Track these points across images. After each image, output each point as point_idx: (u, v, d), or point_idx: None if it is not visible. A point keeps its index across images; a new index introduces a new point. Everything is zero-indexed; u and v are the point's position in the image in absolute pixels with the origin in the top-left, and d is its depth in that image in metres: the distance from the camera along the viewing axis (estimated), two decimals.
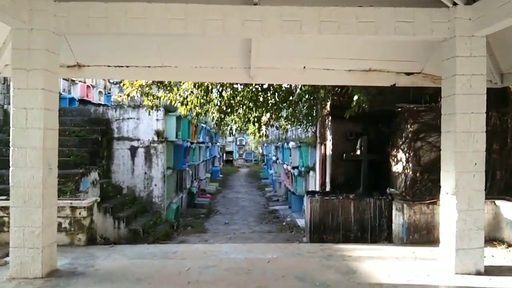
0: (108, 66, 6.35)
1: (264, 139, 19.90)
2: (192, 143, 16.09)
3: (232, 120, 10.07)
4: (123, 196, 11.51)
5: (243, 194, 22.23)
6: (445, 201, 5.01)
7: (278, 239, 10.86)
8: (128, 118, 11.99)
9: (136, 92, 8.14)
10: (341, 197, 9.58)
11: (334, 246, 7.10)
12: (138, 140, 11.95)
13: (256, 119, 8.84)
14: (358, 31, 4.96)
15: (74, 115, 12.01)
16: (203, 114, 8.78)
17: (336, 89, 9.44)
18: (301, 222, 13.40)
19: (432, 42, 5.70)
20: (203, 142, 20.16)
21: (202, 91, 7.36)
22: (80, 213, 7.39)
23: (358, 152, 9.85)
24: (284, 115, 9.36)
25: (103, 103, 16.94)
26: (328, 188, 10.32)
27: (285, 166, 17.93)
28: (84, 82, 16.74)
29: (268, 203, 18.75)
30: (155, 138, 11.92)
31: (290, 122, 9.43)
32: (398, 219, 8.03)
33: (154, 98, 8.39)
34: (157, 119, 11.93)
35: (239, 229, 12.76)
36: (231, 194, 21.88)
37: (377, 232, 9.45)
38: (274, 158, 24.82)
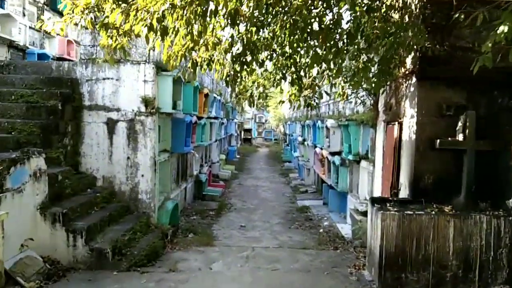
0: None
1: (309, 113, 15.76)
2: (200, 118, 12.40)
3: (253, 82, 6.26)
4: (95, 191, 7.98)
5: (264, 180, 18.58)
6: None
7: (319, 263, 7.20)
8: (103, 79, 8.33)
9: (81, 18, 4.43)
10: (432, 212, 5.83)
11: None
12: (118, 110, 8.31)
13: (296, 76, 5.06)
14: None
15: (28, 73, 8.41)
16: (204, 67, 5.02)
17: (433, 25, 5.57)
18: (344, 229, 9.72)
19: None
20: (216, 118, 16.47)
21: (194, 7, 3.56)
22: None
23: (460, 137, 6.01)
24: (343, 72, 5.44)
25: None
26: (405, 193, 6.54)
27: (317, 150, 14.13)
28: (66, 36, 13.11)
29: (294, 195, 15.07)
30: (142, 109, 8.25)
31: (353, 84, 5.54)
32: None
33: (117, 34, 4.64)
34: (144, 81, 8.22)
35: (260, 239, 9.15)
36: (249, 181, 18.26)
37: (491, 270, 5.70)
38: (300, 138, 20.98)
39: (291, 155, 25.62)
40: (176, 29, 3.93)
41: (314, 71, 5.29)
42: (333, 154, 11.64)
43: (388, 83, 6.94)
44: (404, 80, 6.53)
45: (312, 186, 16.44)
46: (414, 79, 6.18)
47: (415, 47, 5.45)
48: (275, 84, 5.54)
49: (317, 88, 5.64)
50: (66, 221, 6.36)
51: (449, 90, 6.10)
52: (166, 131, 9.34)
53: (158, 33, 3.77)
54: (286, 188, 16.70)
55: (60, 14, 13.85)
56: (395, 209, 5.86)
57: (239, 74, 5.05)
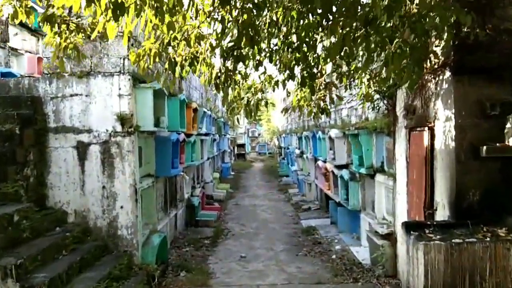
0: None
1: (307, 123, 14.14)
2: (189, 135, 11.15)
3: (249, 88, 5.04)
4: (64, 229, 6.64)
5: (262, 199, 17.26)
6: None
7: None
8: (71, 95, 7.07)
9: (10, 4, 3.21)
10: (486, 238, 4.61)
11: None
12: (89, 131, 7.04)
13: (308, 74, 3.88)
14: None
15: None
16: (186, 68, 3.81)
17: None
18: (360, 254, 8.47)
19: None
20: (207, 134, 15.21)
21: None
22: None
23: (511, 141, 4.86)
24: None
25: None
26: (443, 214, 5.31)
27: (320, 163, 12.90)
28: (36, 53, 11.87)
29: (297, 213, 13.77)
30: (118, 128, 6.98)
31: (380, 81, 4.35)
32: None
33: (67, 30, 3.42)
34: (119, 95, 6.97)
35: (265, 272, 7.82)
36: (246, 200, 16.93)
37: None
38: (297, 151, 19.78)
39: (288, 169, 24.37)
40: (139, 6, 2.72)
41: (328, 68, 4.09)
42: (339, 167, 10.43)
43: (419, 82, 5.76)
44: (433, 76, 5.36)
45: (315, 202, 15.16)
46: (448, 73, 5.02)
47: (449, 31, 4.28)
48: (281, 85, 4.32)
49: (333, 89, 4.43)
50: (22, 274, 5.02)
51: (493, 84, 4.94)
52: (149, 153, 8.06)
53: (109, 12, 2.55)
54: (287, 206, 15.40)
55: (29, 29, 12.70)
56: (438, 236, 4.63)
57: (231, 74, 3.84)
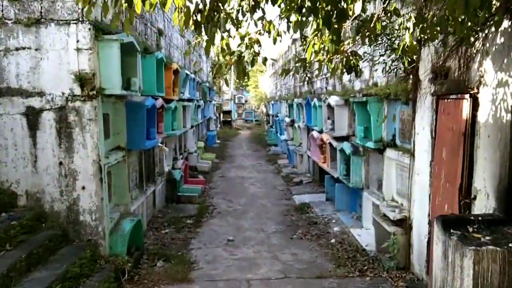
0: None
1: (299, 89, 12.54)
2: (169, 100, 9.80)
3: (242, 39, 3.75)
4: (11, 216, 5.40)
5: (250, 170, 16.15)
6: None
7: None
8: (17, 49, 5.63)
9: None
10: None
11: None
12: (41, 95, 5.66)
13: (332, 12, 2.63)
14: None
15: None
16: (150, 0, 2.51)
17: None
18: (363, 238, 7.54)
19: None
20: (191, 100, 13.82)
21: None
22: None
23: None
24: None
25: None
26: (486, 205, 4.21)
27: (315, 133, 11.73)
28: None
29: (288, 187, 12.74)
30: (77, 91, 5.62)
31: (433, 26, 3.10)
32: None
33: None
34: (77, 49, 5.56)
35: (255, 261, 6.78)
36: (233, 171, 15.80)
37: None
38: (287, 120, 18.60)
39: (277, 138, 23.26)
40: None
41: (357, 6, 2.80)
42: (338, 139, 9.29)
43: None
44: (478, 28, 4.12)
45: (306, 175, 14.15)
46: (507, 23, 3.79)
47: None
48: (293, 30, 3.05)
49: (366, 38, 3.14)
50: None
51: None
52: (118, 122, 6.72)
53: None
54: (277, 179, 14.34)
55: None
56: (487, 237, 3.55)
57: (219, 5, 2.54)
